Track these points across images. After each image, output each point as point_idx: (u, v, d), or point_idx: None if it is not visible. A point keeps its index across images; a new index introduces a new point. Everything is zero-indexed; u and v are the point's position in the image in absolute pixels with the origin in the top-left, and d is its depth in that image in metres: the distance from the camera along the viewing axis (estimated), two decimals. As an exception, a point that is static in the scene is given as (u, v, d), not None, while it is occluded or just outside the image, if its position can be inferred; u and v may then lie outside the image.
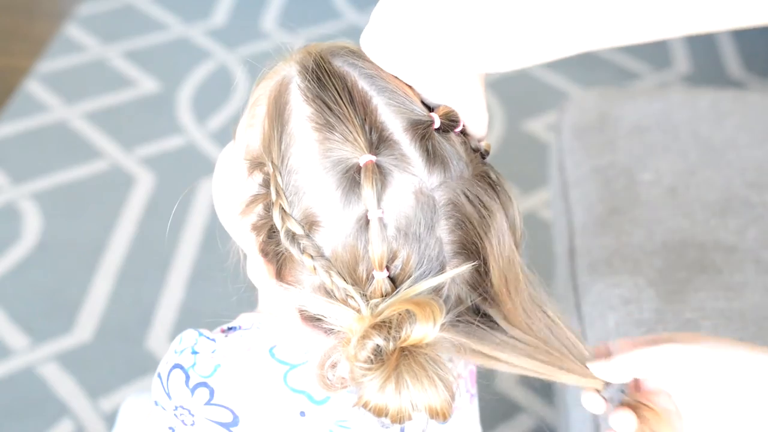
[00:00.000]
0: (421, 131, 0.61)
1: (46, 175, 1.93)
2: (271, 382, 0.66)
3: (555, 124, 1.39)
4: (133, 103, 2.14)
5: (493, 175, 0.65)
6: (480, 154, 0.65)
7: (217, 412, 0.66)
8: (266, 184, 0.62)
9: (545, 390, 1.49)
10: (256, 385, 0.66)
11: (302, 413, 0.66)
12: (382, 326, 0.58)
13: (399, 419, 0.58)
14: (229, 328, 0.70)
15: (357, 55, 0.64)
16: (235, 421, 0.66)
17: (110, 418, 1.46)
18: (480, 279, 0.64)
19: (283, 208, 0.61)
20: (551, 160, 1.38)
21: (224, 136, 2.04)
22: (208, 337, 0.68)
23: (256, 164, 0.63)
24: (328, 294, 0.61)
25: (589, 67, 2.31)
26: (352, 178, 0.59)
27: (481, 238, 0.62)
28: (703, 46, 2.38)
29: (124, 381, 1.52)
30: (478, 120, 0.65)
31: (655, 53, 2.36)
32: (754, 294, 1.05)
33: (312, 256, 0.60)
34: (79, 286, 1.68)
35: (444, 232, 0.61)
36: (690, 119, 1.29)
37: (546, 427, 1.46)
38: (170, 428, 0.69)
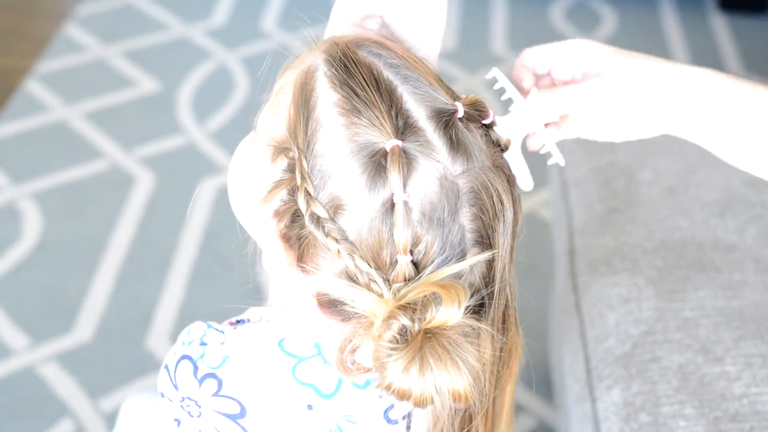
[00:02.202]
0: (445, 119, 0.62)
1: (46, 175, 1.93)
2: (279, 375, 0.66)
3: (555, 124, 1.39)
4: (133, 103, 2.14)
5: (508, 170, 0.66)
6: (500, 148, 0.66)
7: (224, 404, 0.66)
8: (291, 169, 0.63)
9: (545, 390, 1.49)
10: (264, 378, 0.66)
11: (309, 407, 0.67)
12: (407, 307, 0.59)
13: (422, 402, 0.59)
14: (238, 321, 0.71)
15: (381, 46, 0.66)
16: (242, 413, 0.66)
17: (110, 418, 1.46)
18: (488, 272, 0.65)
19: (308, 192, 0.62)
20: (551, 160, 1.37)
21: (224, 136, 2.04)
22: (216, 329, 0.68)
23: (281, 150, 0.64)
24: (350, 279, 0.62)
25: (588, 67, 2.31)
26: (378, 162, 0.60)
27: (494, 230, 0.64)
28: (703, 46, 2.39)
29: (124, 381, 1.52)
30: (434, 27, 0.71)
31: (655, 53, 2.36)
32: (753, 293, 1.05)
33: (336, 240, 0.61)
34: (79, 286, 1.68)
35: (466, 219, 0.62)
36: (689, 119, 1.29)
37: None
38: (176, 420, 0.69)
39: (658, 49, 2.38)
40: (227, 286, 1.66)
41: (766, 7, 2.53)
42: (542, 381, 1.50)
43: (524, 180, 0.68)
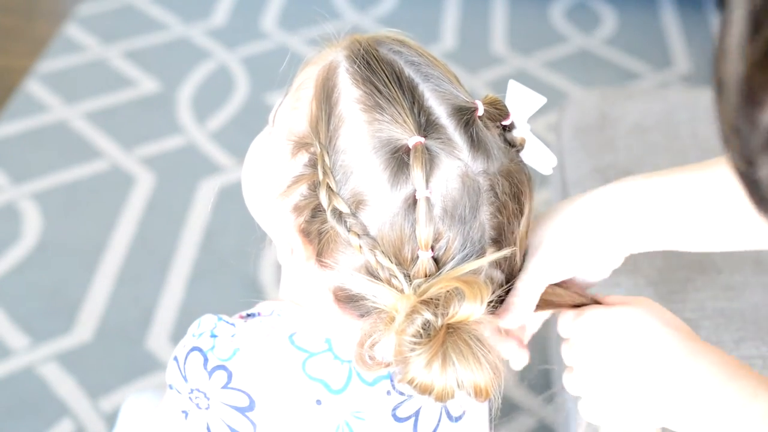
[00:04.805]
0: (466, 117, 0.63)
1: (46, 175, 1.93)
2: (290, 369, 0.66)
3: (555, 124, 1.40)
4: (133, 103, 2.14)
5: (526, 171, 0.67)
6: (516, 150, 0.67)
7: (233, 396, 0.66)
8: (312, 164, 0.64)
9: (545, 390, 1.49)
10: (274, 371, 0.66)
11: (318, 402, 0.67)
12: (430, 302, 0.60)
13: (443, 397, 0.60)
14: (249, 315, 0.71)
15: (401, 43, 0.66)
16: (251, 406, 0.66)
17: (110, 418, 1.46)
18: (506, 264, 0.66)
19: (330, 187, 0.62)
20: (551, 160, 1.37)
21: (224, 136, 2.04)
22: (227, 322, 0.68)
23: (302, 145, 0.65)
24: (370, 274, 0.62)
25: (589, 67, 2.31)
26: (400, 158, 0.61)
27: (513, 227, 0.65)
28: (703, 46, 2.39)
29: (124, 381, 1.52)
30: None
31: (655, 53, 2.37)
32: (753, 294, 1.05)
33: (358, 235, 0.61)
34: (79, 286, 1.68)
35: (486, 217, 0.63)
36: (690, 119, 1.29)
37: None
38: (184, 412, 0.69)
39: (658, 49, 2.38)
40: (227, 286, 1.66)
41: (766, 7, 2.53)
42: (542, 381, 1.50)
43: (544, 165, 0.68)
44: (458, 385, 0.59)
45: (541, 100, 0.67)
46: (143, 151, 2.00)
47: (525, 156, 0.68)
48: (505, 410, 1.48)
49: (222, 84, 2.21)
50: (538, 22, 2.49)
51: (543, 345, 1.47)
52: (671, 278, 1.07)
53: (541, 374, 1.50)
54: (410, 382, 0.59)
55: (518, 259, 0.67)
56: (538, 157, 0.68)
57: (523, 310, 0.69)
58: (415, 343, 0.59)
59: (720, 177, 0.66)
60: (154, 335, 1.59)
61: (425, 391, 0.59)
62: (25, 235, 1.78)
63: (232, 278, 1.67)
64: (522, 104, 0.67)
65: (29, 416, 1.47)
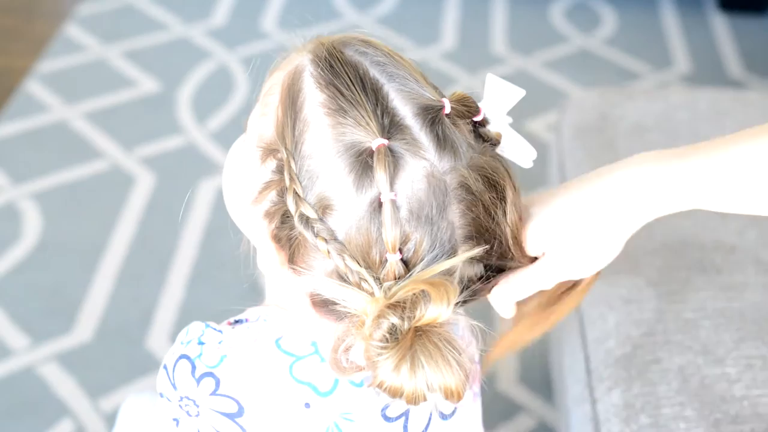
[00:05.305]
0: (432, 116, 0.62)
1: (46, 175, 1.92)
2: (277, 373, 0.67)
3: (555, 124, 1.40)
4: (133, 103, 2.14)
5: (502, 161, 0.66)
6: (490, 144, 0.66)
7: (222, 403, 0.66)
8: (280, 170, 0.63)
9: (545, 390, 1.49)
10: (261, 376, 0.66)
11: (307, 405, 0.67)
12: (397, 306, 0.59)
13: (414, 400, 0.59)
14: (236, 321, 0.71)
15: (367, 44, 0.66)
16: (240, 412, 0.66)
17: (110, 418, 1.46)
18: (489, 256, 0.66)
19: (296, 193, 0.62)
20: (551, 160, 1.38)
21: (224, 136, 2.04)
22: (214, 329, 0.68)
23: (270, 151, 0.65)
24: (341, 278, 0.62)
25: (589, 67, 2.31)
26: (364, 161, 0.60)
27: (486, 224, 0.64)
28: (703, 46, 2.39)
29: (124, 381, 1.52)
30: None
31: (655, 53, 2.36)
32: (754, 294, 1.05)
33: (326, 240, 0.61)
34: (79, 286, 1.68)
35: (456, 216, 0.63)
36: (690, 119, 1.29)
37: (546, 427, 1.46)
38: (174, 419, 0.69)
39: (658, 49, 2.38)
40: (227, 286, 1.66)
41: (766, 7, 2.53)
42: (542, 381, 1.50)
43: (524, 158, 0.68)
44: (428, 388, 0.58)
45: (519, 93, 0.67)
46: (143, 151, 2.00)
47: (503, 150, 0.67)
48: (505, 410, 1.48)
49: (222, 84, 2.21)
50: (538, 22, 2.49)
51: (543, 345, 1.47)
52: (671, 278, 1.07)
53: (541, 374, 1.50)
54: (379, 386, 0.59)
55: (509, 242, 0.67)
56: (517, 150, 0.68)
57: (515, 300, 0.69)
58: (382, 347, 0.59)
59: (738, 157, 0.65)
60: (154, 335, 1.59)
61: (395, 394, 0.59)
62: (25, 235, 1.78)
63: (232, 278, 1.67)
64: (500, 98, 0.67)
65: (29, 416, 1.47)
